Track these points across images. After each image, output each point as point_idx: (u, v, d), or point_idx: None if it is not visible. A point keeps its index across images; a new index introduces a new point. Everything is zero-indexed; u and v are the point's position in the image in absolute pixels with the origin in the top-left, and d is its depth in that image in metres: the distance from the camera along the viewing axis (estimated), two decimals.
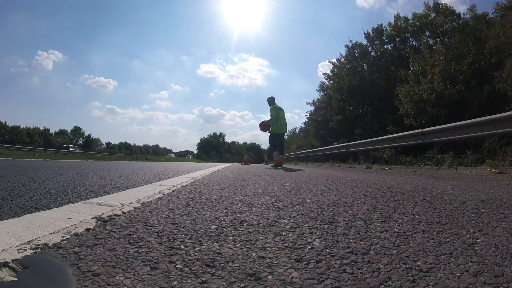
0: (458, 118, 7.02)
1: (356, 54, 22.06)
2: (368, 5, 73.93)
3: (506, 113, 4.80)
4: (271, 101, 8.28)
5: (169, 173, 4.25)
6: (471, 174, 3.97)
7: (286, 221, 1.13)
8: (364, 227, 1.04)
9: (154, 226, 1.02)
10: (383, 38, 21.26)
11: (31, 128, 56.18)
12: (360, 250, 0.80)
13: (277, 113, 7.91)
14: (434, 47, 15.19)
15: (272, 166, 8.04)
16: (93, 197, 1.68)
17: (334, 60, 23.34)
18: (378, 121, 17.30)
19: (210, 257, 0.74)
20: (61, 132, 64.84)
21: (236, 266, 0.68)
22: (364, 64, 21.46)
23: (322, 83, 26.72)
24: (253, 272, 0.65)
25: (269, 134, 8.34)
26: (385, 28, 21.24)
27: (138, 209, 1.32)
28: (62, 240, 0.83)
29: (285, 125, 8.25)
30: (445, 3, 17.87)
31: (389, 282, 0.60)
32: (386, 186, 2.45)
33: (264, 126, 8.22)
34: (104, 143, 75.49)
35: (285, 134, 8.55)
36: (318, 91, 27.96)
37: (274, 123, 7.94)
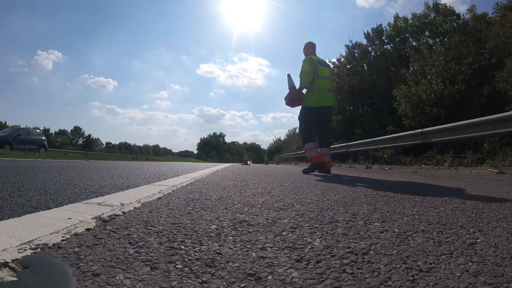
0: (458, 118, 7.02)
1: (356, 54, 22.09)
2: (368, 5, 74.21)
3: (506, 113, 4.80)
4: (308, 49, 4.46)
5: (169, 173, 4.25)
6: (471, 174, 3.97)
7: (286, 221, 1.13)
8: (364, 227, 1.04)
9: (154, 226, 1.02)
10: (383, 38, 21.30)
11: (31, 128, 56.15)
12: (360, 250, 0.80)
13: (315, 68, 4.10)
14: (434, 47, 15.20)
15: (305, 169, 4.30)
16: (93, 197, 1.68)
17: (334, 60, 23.40)
18: (378, 121, 17.32)
19: (210, 257, 0.74)
20: (61, 132, 64.85)
21: (236, 266, 0.68)
22: (364, 64, 21.50)
23: None
24: (253, 272, 0.65)
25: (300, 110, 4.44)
26: (385, 28, 21.29)
27: (138, 209, 1.32)
28: (62, 240, 0.83)
29: (331, 92, 4.30)
30: (445, 3, 17.91)
31: (389, 282, 0.60)
32: (386, 186, 2.45)
33: (292, 99, 4.24)
34: (104, 143, 75.67)
35: (332, 107, 4.48)
36: None
37: (308, 87, 4.16)
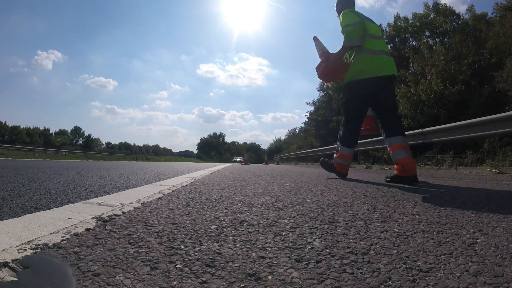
0: (458, 118, 7.01)
1: None
2: (368, 5, 74.09)
3: (506, 113, 4.79)
4: (347, 2, 3.07)
5: (169, 173, 4.25)
6: (471, 174, 3.97)
7: (286, 221, 1.13)
8: (364, 227, 1.04)
9: (154, 226, 1.02)
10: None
11: (31, 128, 56.26)
12: (360, 250, 0.80)
13: (361, 19, 2.75)
14: (434, 47, 15.22)
15: (325, 162, 3.40)
16: (93, 197, 1.68)
17: None
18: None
19: (210, 257, 0.74)
20: (61, 132, 64.91)
21: (236, 266, 0.68)
22: None
23: (322, 83, 26.84)
24: (253, 272, 0.65)
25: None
26: (385, 28, 21.29)
27: (138, 209, 1.32)
28: (62, 240, 0.83)
29: (390, 56, 2.89)
30: (445, 3, 17.91)
31: (389, 282, 0.60)
32: (386, 186, 2.45)
33: (330, 69, 2.86)
34: (104, 143, 75.80)
35: (395, 78, 2.93)
36: (318, 91, 28.10)
37: (359, 45, 2.73)
